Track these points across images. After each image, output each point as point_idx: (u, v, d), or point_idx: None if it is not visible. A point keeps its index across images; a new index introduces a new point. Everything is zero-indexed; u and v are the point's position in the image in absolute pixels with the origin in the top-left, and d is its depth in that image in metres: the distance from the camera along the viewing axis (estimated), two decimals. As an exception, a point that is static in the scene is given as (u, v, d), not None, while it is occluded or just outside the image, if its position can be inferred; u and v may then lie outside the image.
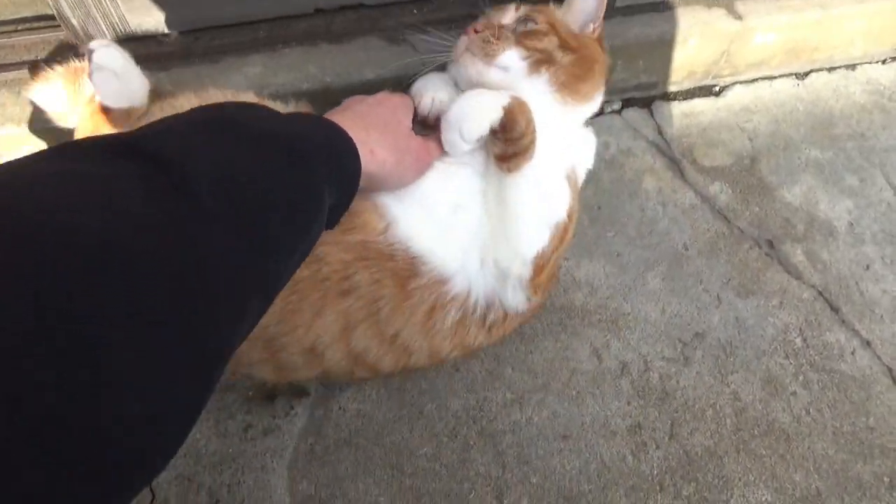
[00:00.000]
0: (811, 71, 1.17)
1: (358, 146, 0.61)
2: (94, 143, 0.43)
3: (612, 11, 1.01)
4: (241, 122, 0.50)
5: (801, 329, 0.94)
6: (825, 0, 1.06)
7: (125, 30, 0.91)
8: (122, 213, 0.37)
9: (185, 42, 0.94)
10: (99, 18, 0.89)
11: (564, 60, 0.79)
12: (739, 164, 1.07)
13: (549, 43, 0.79)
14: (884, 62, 1.20)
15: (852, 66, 1.18)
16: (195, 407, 0.39)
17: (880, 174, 1.08)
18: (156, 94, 0.80)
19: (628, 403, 0.88)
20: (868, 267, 1.00)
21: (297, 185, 0.50)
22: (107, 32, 0.91)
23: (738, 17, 1.03)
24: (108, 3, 0.87)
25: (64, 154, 0.42)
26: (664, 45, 1.02)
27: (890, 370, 0.92)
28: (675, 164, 1.06)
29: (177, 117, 0.49)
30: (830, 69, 1.18)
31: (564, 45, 0.79)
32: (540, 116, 0.74)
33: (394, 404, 0.87)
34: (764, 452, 0.86)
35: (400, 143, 0.71)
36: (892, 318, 0.96)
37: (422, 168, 0.75)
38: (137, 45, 0.92)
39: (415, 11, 0.99)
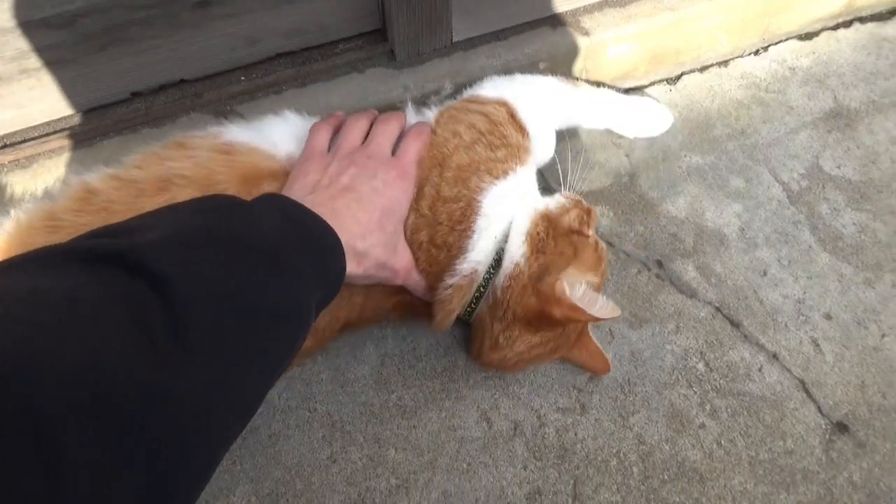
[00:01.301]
0: (682, 74, 1.13)
1: (347, 255, 0.59)
2: (78, 248, 0.43)
3: (450, 48, 0.96)
4: (226, 235, 0.50)
5: (701, 352, 0.87)
6: (673, 2, 1.02)
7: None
8: (101, 353, 0.36)
9: (-10, 150, 0.87)
10: None
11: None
12: (618, 183, 1.01)
13: None
14: (756, 53, 1.16)
15: (724, 63, 1.14)
16: None
17: (766, 171, 1.03)
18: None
19: (525, 468, 0.80)
20: (765, 272, 0.93)
21: (289, 307, 0.51)
22: None
23: (586, 34, 0.98)
24: None
25: (45, 265, 0.41)
26: (512, 73, 0.97)
27: (802, 382, 0.85)
28: (549, 194, 1.00)
29: (165, 223, 0.49)
30: (702, 69, 1.14)
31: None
32: None
33: (265, 514, 0.78)
34: (677, 499, 0.78)
35: (391, 246, 0.68)
36: (797, 323, 0.89)
37: (391, 272, 0.71)
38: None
39: (242, 78, 0.93)
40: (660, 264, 0.94)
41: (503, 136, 0.77)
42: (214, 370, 0.42)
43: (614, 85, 1.08)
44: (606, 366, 0.82)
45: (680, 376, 0.86)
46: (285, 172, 0.74)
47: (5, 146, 0.89)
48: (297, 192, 0.67)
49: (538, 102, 0.85)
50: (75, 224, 0.71)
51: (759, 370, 0.86)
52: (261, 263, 0.49)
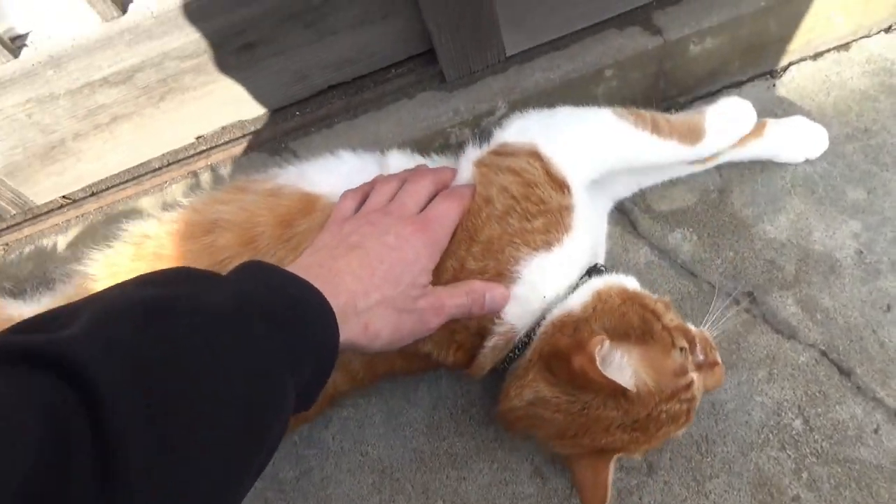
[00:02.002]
0: (790, 64, 0.96)
1: (345, 317, 0.52)
2: None
3: (504, 63, 0.89)
4: (172, 305, 0.43)
5: (800, 406, 0.74)
6: (766, -15, 0.86)
7: None
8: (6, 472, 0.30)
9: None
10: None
11: None
12: (705, 200, 0.88)
13: None
14: (888, 30, 0.96)
15: (845, 46, 0.96)
16: None
17: (895, 178, 0.84)
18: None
19: (582, 532, 0.73)
20: (889, 307, 0.77)
21: (249, 389, 0.42)
22: (9, 209, 0.93)
23: (658, 32, 0.86)
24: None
25: None
26: (574, 87, 0.88)
27: (934, 448, 0.69)
28: (624, 216, 0.90)
29: (98, 306, 0.41)
30: (815, 56, 0.96)
31: None
32: None
33: (315, 559, 0.78)
34: (762, 585, 0.66)
35: (406, 304, 0.60)
36: (930, 373, 0.73)
37: (421, 333, 0.63)
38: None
39: (297, 114, 0.93)
40: (752, 297, 0.81)
41: (540, 202, 0.67)
42: (149, 492, 0.35)
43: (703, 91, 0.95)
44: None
45: (771, 435, 0.73)
46: (324, 209, 0.72)
47: (92, 194, 0.96)
48: (303, 256, 0.62)
49: (582, 141, 0.74)
50: (130, 269, 0.74)
51: (875, 431, 0.71)
52: (213, 337, 0.42)
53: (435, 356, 0.70)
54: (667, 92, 0.95)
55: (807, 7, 0.88)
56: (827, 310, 0.78)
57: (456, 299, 0.64)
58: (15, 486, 0.30)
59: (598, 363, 0.58)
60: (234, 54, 0.84)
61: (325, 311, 0.51)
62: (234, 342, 0.43)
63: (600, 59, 0.87)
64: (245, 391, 0.42)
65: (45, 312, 0.42)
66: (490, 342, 0.67)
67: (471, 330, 0.68)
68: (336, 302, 0.52)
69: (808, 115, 0.90)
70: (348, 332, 0.54)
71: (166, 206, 0.89)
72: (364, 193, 0.71)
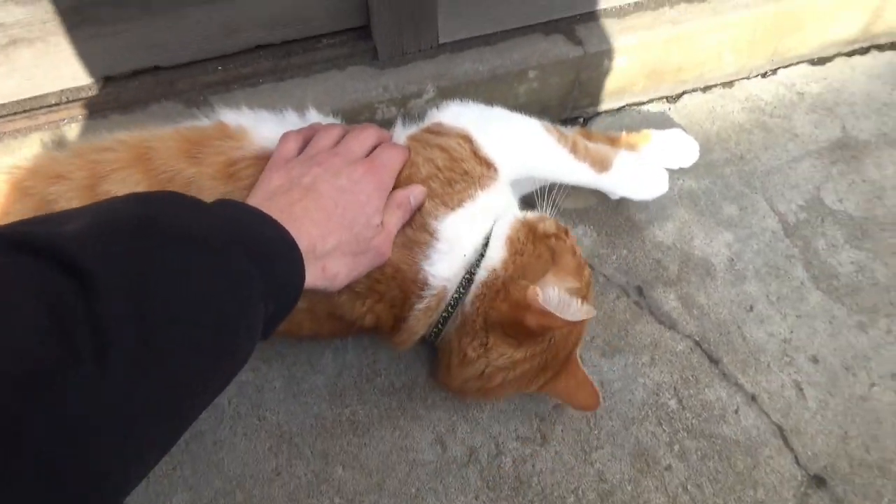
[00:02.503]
0: (683, 93, 1.08)
1: (306, 260, 0.55)
2: None
3: (436, 50, 0.92)
4: (166, 225, 0.45)
5: (675, 388, 0.82)
6: (676, 16, 0.97)
7: None
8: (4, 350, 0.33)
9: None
10: None
11: None
12: (605, 202, 0.96)
13: None
14: (764, 75, 1.11)
15: (729, 84, 1.09)
16: None
17: (762, 200, 0.97)
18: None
19: (476, 498, 0.76)
20: (751, 308, 0.88)
21: (228, 310, 0.45)
22: None
23: (580, 43, 0.94)
24: None
25: None
26: (500, 81, 0.93)
27: (780, 428, 0.80)
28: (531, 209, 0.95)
29: (95, 213, 0.45)
30: (705, 89, 1.09)
31: None
32: None
33: (199, 526, 0.74)
34: (634, 545, 0.73)
35: (361, 245, 0.63)
36: (781, 365, 0.84)
37: (378, 262, 0.67)
38: None
39: (219, 68, 0.90)
40: (640, 291, 0.89)
41: (464, 172, 0.72)
42: (134, 383, 0.38)
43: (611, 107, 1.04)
44: (595, 399, 0.73)
45: (650, 412, 0.81)
46: (244, 138, 0.73)
47: (-29, 123, 0.86)
48: (258, 198, 0.62)
49: (510, 144, 0.79)
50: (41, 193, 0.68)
51: (736, 412, 0.81)
52: (199, 259, 0.45)
53: (359, 320, 0.71)
54: (578, 101, 1.03)
55: (706, 42, 1.00)
56: (702, 306, 0.88)
57: (395, 219, 0.67)
58: (24, 362, 0.34)
59: (551, 308, 0.63)
60: (162, -6, 0.80)
61: (293, 253, 0.54)
62: (216, 267, 0.46)
63: (526, 60, 0.93)
64: (221, 312, 0.45)
65: (41, 215, 0.46)
66: (422, 304, 0.69)
67: (396, 295, 0.70)
68: (299, 244, 0.54)
69: (696, 137, 1.01)
70: (309, 275, 0.56)
71: (58, 147, 0.82)
72: (305, 137, 0.71)
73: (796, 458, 0.78)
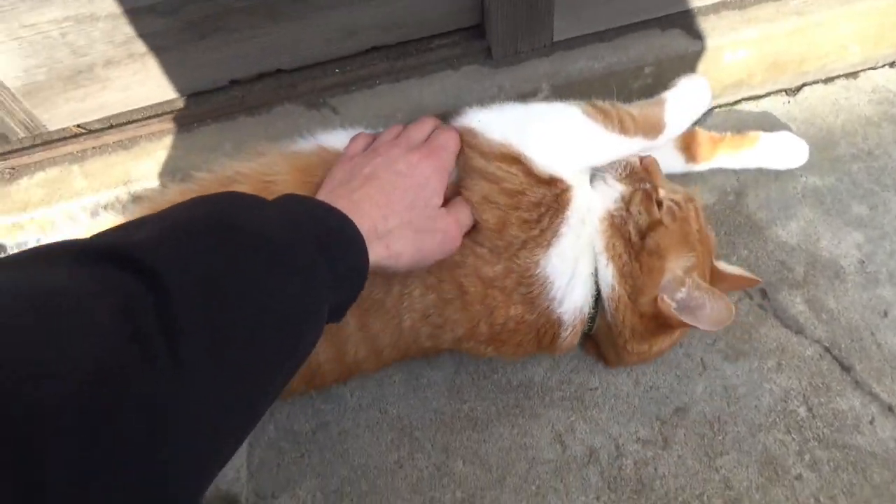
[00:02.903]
0: (803, 85, 1.03)
1: (369, 241, 0.56)
2: (71, 246, 0.41)
3: (550, 48, 0.91)
4: (230, 223, 0.47)
5: (804, 395, 0.79)
6: (801, 6, 0.93)
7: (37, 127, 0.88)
8: (85, 354, 0.34)
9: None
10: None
11: None
12: (723, 201, 0.93)
13: None
14: (892, 65, 1.04)
15: (853, 75, 1.03)
16: None
17: (895, 198, 0.92)
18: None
19: (597, 499, 0.76)
20: (886, 313, 0.84)
21: (295, 304, 0.47)
22: (18, 131, 0.88)
23: (699, 37, 0.91)
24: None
25: (37, 258, 0.40)
26: (614, 78, 0.91)
27: (921, 441, 0.76)
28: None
29: (162, 218, 0.47)
30: (826, 80, 1.03)
31: None
32: None
33: (329, 513, 0.78)
34: (765, 555, 0.71)
35: (425, 224, 0.64)
36: (920, 374, 0.80)
37: (447, 248, 0.67)
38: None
39: (336, 71, 0.92)
40: (764, 294, 0.86)
41: (532, 207, 0.68)
42: (208, 376, 0.39)
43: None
44: (752, 280, 0.77)
45: (778, 419, 0.78)
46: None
47: (111, 126, 0.92)
48: (323, 192, 0.65)
49: (562, 147, 0.72)
50: None
51: (871, 422, 0.77)
52: (266, 255, 0.46)
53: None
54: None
55: (831, 34, 0.95)
56: (831, 310, 0.84)
57: (466, 213, 0.68)
58: (102, 361, 0.35)
59: (691, 320, 0.66)
60: (289, 2, 0.83)
61: (356, 238, 0.55)
62: (281, 261, 0.47)
63: (642, 56, 0.91)
64: (288, 306, 0.46)
65: (114, 227, 0.47)
66: (566, 333, 0.71)
67: (533, 338, 0.72)
68: (361, 228, 0.56)
69: (818, 132, 0.97)
70: (373, 255, 0.57)
71: (191, 150, 0.87)
72: (373, 137, 0.75)
73: (939, 473, 0.74)
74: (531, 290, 0.69)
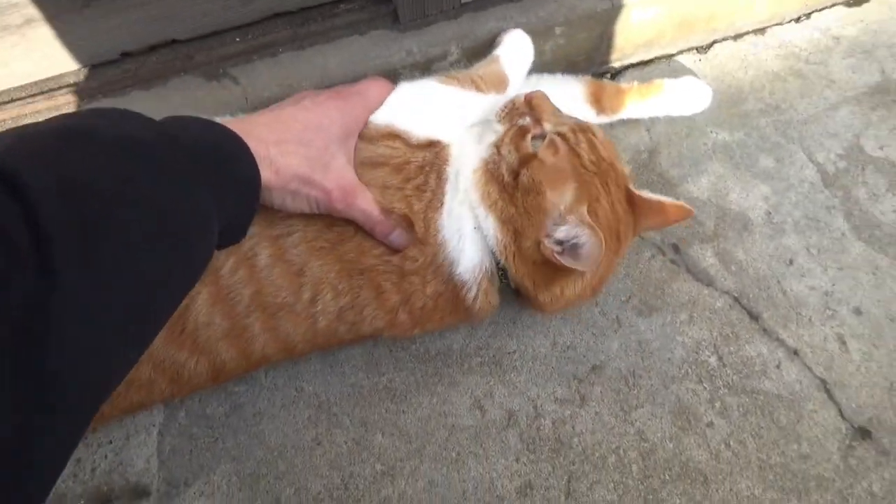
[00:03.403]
0: (714, 42, 1.04)
1: (259, 161, 0.54)
2: None
3: (458, 10, 0.89)
4: (99, 128, 0.44)
5: (715, 345, 0.81)
6: (707, -38, 0.93)
7: None
8: None
9: (-21, 110, 0.84)
10: None
11: None
12: (637, 159, 0.94)
13: None
14: (797, 20, 1.06)
15: (761, 31, 1.05)
16: None
17: (800, 150, 0.94)
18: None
19: (517, 460, 0.76)
20: (791, 261, 0.86)
21: (171, 206, 0.44)
22: None
23: (607, -5, 0.90)
24: None
25: None
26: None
27: (823, 382, 0.79)
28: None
29: (27, 125, 0.44)
30: (736, 37, 1.04)
31: None
32: None
33: (246, 495, 0.76)
34: (678, 501, 0.73)
35: (317, 165, 0.62)
36: (823, 318, 0.82)
37: (324, 208, 0.64)
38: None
39: (237, 39, 0.88)
40: (676, 249, 0.87)
41: (419, 170, 0.68)
42: (86, 285, 0.36)
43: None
44: (684, 210, 0.71)
45: (690, 370, 0.80)
46: None
47: (-7, 106, 0.86)
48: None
49: (427, 110, 0.73)
50: None
51: (777, 367, 0.80)
52: (132, 157, 0.43)
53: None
54: (606, 56, 0.99)
55: (735, -11, 0.96)
56: (740, 262, 0.86)
57: (366, 206, 0.65)
58: None
59: (573, 261, 0.62)
60: (176, -37, 0.78)
61: (241, 150, 0.53)
62: (153, 165, 0.44)
63: (552, 16, 0.90)
64: (162, 208, 0.43)
65: None
66: (473, 290, 0.69)
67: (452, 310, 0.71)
68: (249, 145, 0.54)
69: (728, 88, 0.99)
70: (263, 174, 0.55)
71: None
72: None
73: (840, 411, 0.77)
74: (437, 259, 0.68)
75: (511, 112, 0.73)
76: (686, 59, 1.02)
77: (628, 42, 0.98)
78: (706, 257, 0.86)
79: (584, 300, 0.73)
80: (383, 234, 0.66)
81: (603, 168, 0.68)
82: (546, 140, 0.68)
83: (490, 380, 0.80)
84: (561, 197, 0.65)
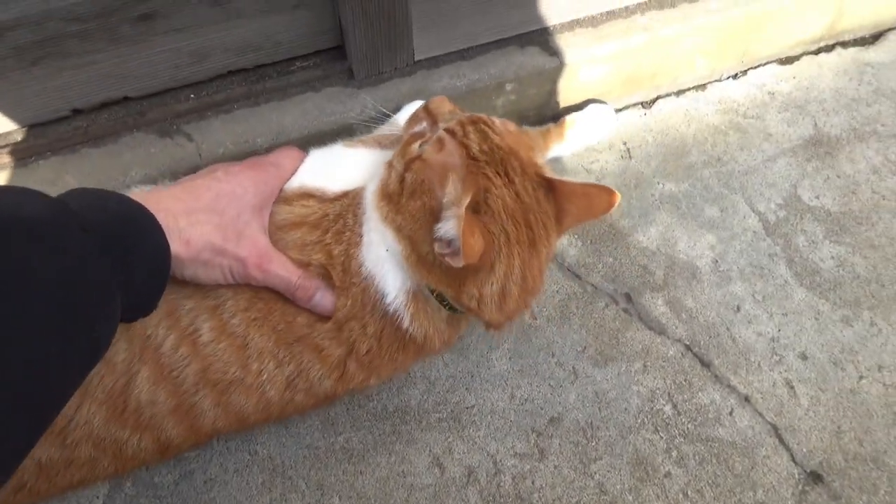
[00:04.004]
0: (658, 98, 1.09)
1: (168, 232, 0.53)
2: None
3: (412, 67, 0.92)
4: None
5: (669, 394, 0.82)
6: (647, 23, 0.98)
7: None
8: None
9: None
10: None
11: None
12: (588, 210, 0.96)
13: None
14: (735, 77, 1.12)
15: (702, 87, 1.10)
16: None
17: (742, 200, 0.98)
18: None
19: (478, 519, 0.74)
20: (738, 308, 0.89)
21: (60, 272, 0.42)
22: None
23: (556, 54, 0.94)
24: None
25: None
26: (478, 95, 0.93)
27: (774, 427, 0.80)
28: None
29: None
30: (679, 93, 1.10)
31: None
32: None
33: (195, 568, 0.72)
34: (639, 556, 0.72)
35: (230, 236, 0.60)
36: (771, 363, 0.84)
37: (240, 278, 0.62)
38: None
39: (192, 96, 0.88)
40: (628, 298, 0.89)
41: (337, 218, 0.68)
42: None
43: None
44: (609, 193, 0.63)
45: (646, 420, 0.81)
46: None
47: (-69, 163, 0.83)
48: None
49: (336, 169, 0.74)
50: None
51: (730, 414, 0.81)
52: (35, 241, 0.42)
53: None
54: (556, 111, 1.03)
55: (677, 48, 1.01)
56: (690, 310, 0.88)
57: (283, 272, 0.63)
58: None
59: (448, 256, 0.57)
60: (129, 23, 0.79)
61: (148, 222, 0.52)
62: (45, 244, 0.43)
63: (503, 73, 0.93)
64: (56, 287, 0.42)
65: None
66: (406, 317, 0.66)
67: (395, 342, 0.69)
68: (157, 217, 0.53)
69: (673, 141, 1.03)
70: (172, 246, 0.54)
71: (30, 185, 0.80)
72: None
73: (792, 456, 0.79)
74: (368, 294, 0.66)
75: (410, 122, 0.71)
76: (632, 114, 1.07)
77: (577, 97, 1.02)
78: (658, 306, 0.89)
79: (519, 303, 0.64)
80: (305, 299, 0.65)
81: (498, 156, 0.62)
82: (434, 139, 0.63)
83: (449, 436, 0.79)
84: (446, 192, 0.59)
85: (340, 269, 0.66)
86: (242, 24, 0.84)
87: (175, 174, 0.83)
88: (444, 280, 0.62)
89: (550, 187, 0.64)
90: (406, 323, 0.66)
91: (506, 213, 0.61)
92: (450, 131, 0.63)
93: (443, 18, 0.89)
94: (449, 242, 0.58)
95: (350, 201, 0.69)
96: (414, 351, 0.69)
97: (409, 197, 0.62)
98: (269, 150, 0.86)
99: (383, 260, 0.65)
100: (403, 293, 0.66)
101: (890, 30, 1.19)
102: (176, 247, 0.55)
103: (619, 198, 0.64)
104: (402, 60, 0.91)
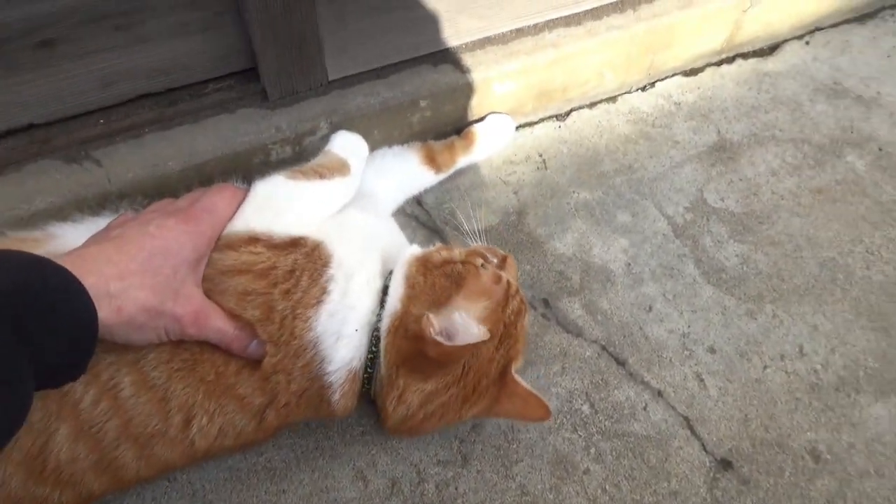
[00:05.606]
0: (571, 111, 1.13)
1: (97, 300, 0.51)
2: None
3: (326, 87, 0.93)
4: None
5: (587, 393, 0.85)
6: (555, 39, 1.02)
7: None
8: None
9: None
10: None
11: None
12: (506, 221, 0.99)
13: None
14: (643, 89, 1.18)
15: (612, 99, 1.16)
16: None
17: (652, 205, 1.03)
18: None
19: (402, 529, 0.75)
20: (650, 308, 0.93)
21: None
22: None
23: (468, 71, 0.97)
24: None
25: None
26: (393, 113, 0.95)
27: (686, 419, 0.84)
28: (436, 234, 0.97)
29: None
30: (591, 105, 1.15)
31: None
32: None
33: None
34: (561, 553, 0.74)
35: (166, 296, 0.59)
36: (682, 358, 0.88)
37: (176, 335, 0.61)
38: None
39: (101, 121, 0.87)
40: (546, 303, 0.92)
41: (288, 275, 0.67)
42: None
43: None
44: (544, 410, 0.71)
45: (565, 419, 0.83)
46: None
47: None
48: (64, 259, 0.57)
49: (281, 208, 0.73)
50: None
51: (644, 409, 0.84)
52: None
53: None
54: (472, 125, 1.06)
55: (585, 62, 1.06)
56: (605, 311, 0.92)
57: (220, 325, 0.63)
58: None
59: (445, 340, 0.63)
60: (29, 50, 0.78)
61: (72, 288, 0.50)
62: None
63: (417, 90, 0.96)
64: None
65: None
66: (337, 391, 0.68)
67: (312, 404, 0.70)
68: (85, 282, 0.51)
69: (586, 151, 1.07)
70: (101, 312, 0.52)
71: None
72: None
73: (703, 445, 0.82)
74: (305, 355, 0.67)
75: (489, 251, 0.78)
76: (547, 127, 1.11)
77: (492, 112, 1.05)
78: (574, 309, 0.91)
79: (413, 429, 0.72)
80: (241, 348, 0.65)
81: (510, 332, 0.71)
82: (495, 271, 0.73)
83: (372, 448, 0.80)
84: (467, 306, 0.68)
85: (278, 325, 0.65)
86: (149, 48, 0.84)
87: (83, 200, 0.82)
88: (397, 352, 0.68)
89: (504, 378, 0.72)
90: (335, 396, 0.68)
91: (477, 364, 0.69)
92: (509, 283, 0.72)
93: (353, 39, 0.91)
94: (443, 329, 0.65)
95: (305, 260, 0.68)
96: (325, 414, 0.71)
97: (441, 275, 0.71)
98: (181, 172, 0.86)
99: (344, 335, 0.68)
100: (346, 370, 0.68)
101: (786, 41, 1.28)
102: (105, 314, 0.53)
103: (551, 419, 0.76)
104: (316, 80, 0.93)
